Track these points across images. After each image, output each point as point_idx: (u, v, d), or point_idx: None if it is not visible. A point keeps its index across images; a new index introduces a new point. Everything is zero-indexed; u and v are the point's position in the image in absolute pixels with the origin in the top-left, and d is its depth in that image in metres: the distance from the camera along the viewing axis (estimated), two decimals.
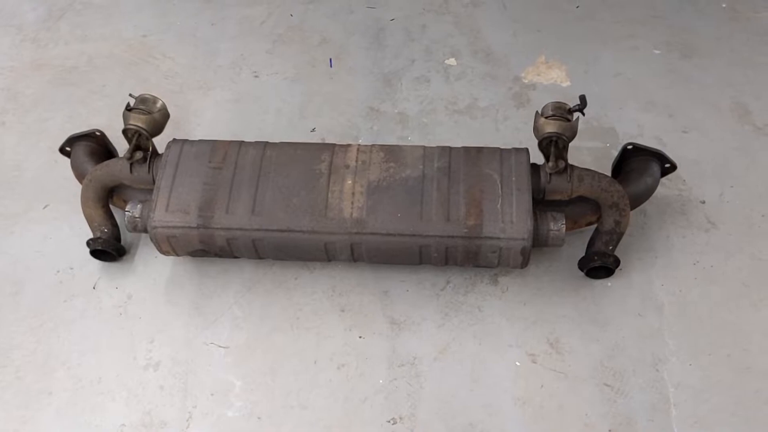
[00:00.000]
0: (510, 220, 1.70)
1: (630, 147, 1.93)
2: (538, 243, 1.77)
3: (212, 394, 1.71)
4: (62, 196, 2.12)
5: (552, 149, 1.78)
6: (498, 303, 1.85)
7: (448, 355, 1.76)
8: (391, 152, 1.82)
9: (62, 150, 2.08)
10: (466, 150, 1.82)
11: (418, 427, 1.65)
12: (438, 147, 1.84)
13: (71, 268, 1.96)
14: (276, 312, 1.85)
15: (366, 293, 1.88)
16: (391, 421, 1.66)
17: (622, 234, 1.85)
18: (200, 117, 2.40)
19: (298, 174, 1.79)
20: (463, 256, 1.75)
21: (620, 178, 1.94)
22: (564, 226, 1.75)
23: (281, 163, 1.81)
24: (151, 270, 1.94)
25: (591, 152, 2.21)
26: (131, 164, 1.86)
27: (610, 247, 1.84)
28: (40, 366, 1.78)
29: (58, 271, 1.96)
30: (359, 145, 1.85)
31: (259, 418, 1.67)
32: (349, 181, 1.77)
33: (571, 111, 1.81)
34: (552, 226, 1.75)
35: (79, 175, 2.02)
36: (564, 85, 2.44)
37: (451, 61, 2.55)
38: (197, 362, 1.77)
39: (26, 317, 1.87)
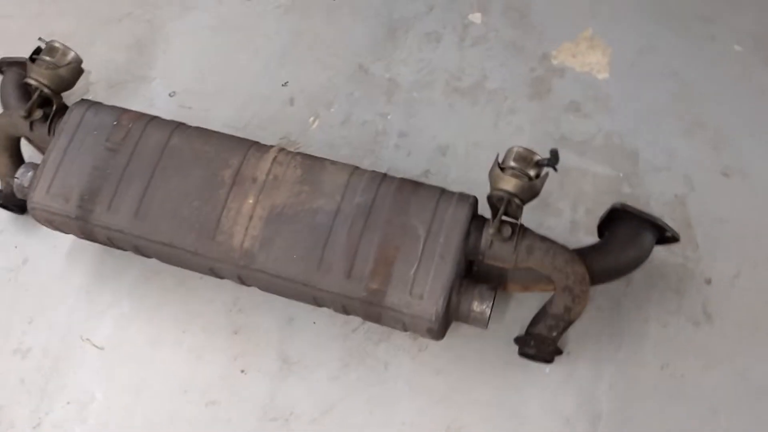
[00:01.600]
0: (420, 294, 1.38)
1: (619, 207, 1.52)
2: (457, 319, 1.45)
3: (68, 403, 1.57)
4: None
5: (501, 209, 1.41)
6: (409, 364, 1.58)
7: (330, 419, 1.53)
8: (311, 171, 1.50)
9: None
10: (401, 185, 1.48)
11: None
12: (370, 173, 1.50)
13: None
14: (165, 317, 1.66)
15: (268, 317, 1.64)
16: None
17: (571, 322, 1.50)
18: (168, 43, 2.11)
19: (198, 177, 1.51)
20: (365, 316, 1.47)
21: (600, 243, 1.55)
22: (489, 308, 1.42)
23: (184, 159, 1.53)
24: (55, 234, 1.75)
25: (596, 180, 1.79)
26: (30, 122, 1.63)
27: (554, 333, 1.51)
28: None
29: None
30: (279, 151, 1.53)
31: None
32: (251, 200, 1.48)
33: (539, 164, 1.41)
34: (475, 306, 1.42)
35: (5, 106, 1.81)
36: (600, 77, 1.97)
37: (476, 17, 2.10)
38: (67, 360, 1.62)
39: None
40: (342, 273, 1.41)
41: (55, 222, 1.56)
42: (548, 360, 1.52)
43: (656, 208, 1.74)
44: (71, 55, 1.62)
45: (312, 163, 1.51)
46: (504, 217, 1.44)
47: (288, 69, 2.04)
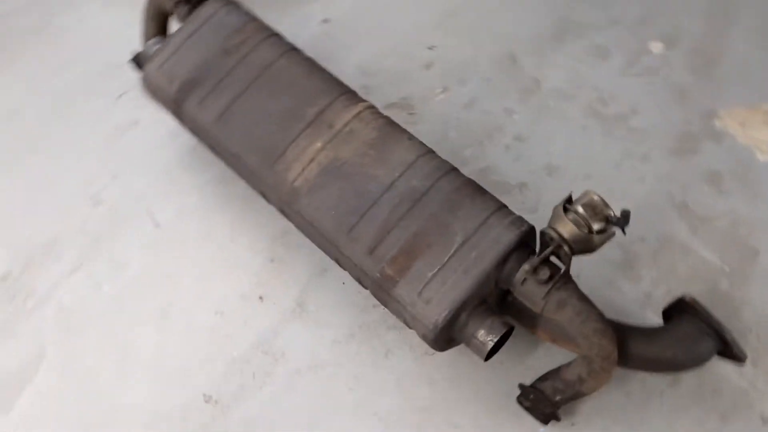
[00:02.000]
0: (428, 298, 1.32)
1: (688, 300, 1.35)
2: (460, 340, 1.38)
3: (109, 261, 1.69)
4: None
5: (547, 251, 1.30)
6: (409, 362, 1.53)
7: (312, 376, 1.52)
8: (386, 138, 1.46)
9: None
10: (463, 185, 1.40)
11: (221, 417, 1.49)
12: (439, 161, 1.43)
13: (118, 67, 1.94)
14: (220, 222, 1.72)
15: (306, 260, 1.65)
16: (206, 398, 1.52)
17: (581, 394, 1.37)
18: None
19: (284, 104, 1.53)
20: (375, 296, 1.43)
21: (652, 329, 1.40)
22: (493, 342, 1.32)
23: (280, 82, 1.55)
24: None
25: (696, 263, 1.61)
26: (175, 2, 1.73)
27: (557, 398, 1.38)
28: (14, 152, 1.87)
29: (106, 64, 1.96)
30: (367, 108, 1.50)
31: (120, 311, 1.63)
32: (319, 144, 1.48)
33: (607, 220, 1.27)
34: (480, 334, 1.33)
35: None
36: (761, 157, 1.73)
37: (656, 47, 1.91)
38: (126, 224, 1.74)
39: (52, 103, 1.94)
40: (366, 247, 1.38)
41: (156, 97, 1.65)
42: (542, 420, 1.40)
43: (748, 316, 1.53)
44: None
45: (391, 131, 1.47)
46: (554, 258, 1.33)
47: (440, 33, 1.99)
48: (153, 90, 1.65)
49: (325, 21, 2.02)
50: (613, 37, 1.93)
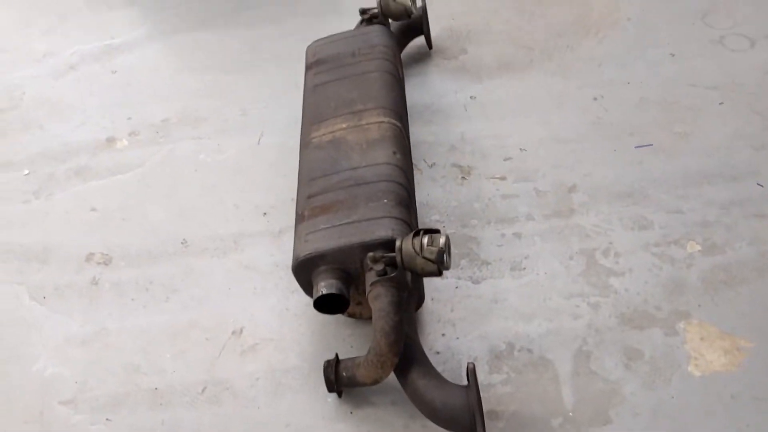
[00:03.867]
0: (308, 239, 1.72)
1: (470, 368, 1.58)
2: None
3: (216, 146, 2.40)
4: None
5: (389, 253, 1.64)
6: (296, 296, 1.94)
7: (245, 274, 2.02)
8: (380, 141, 1.90)
9: None
10: (393, 193, 1.76)
11: (181, 254, 2.08)
12: (397, 173, 1.84)
13: None
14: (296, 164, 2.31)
15: None
16: (182, 241, 2.12)
17: (357, 379, 1.66)
18: None
19: (351, 96, 2.06)
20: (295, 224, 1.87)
21: (439, 376, 1.64)
22: (321, 293, 1.65)
23: (361, 85, 2.09)
24: None
25: (551, 393, 1.74)
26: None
27: (344, 373, 1.68)
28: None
29: None
30: (391, 123, 1.96)
31: (195, 171, 2.32)
32: (344, 125, 1.99)
33: (437, 256, 1.58)
34: (320, 285, 1.68)
35: None
36: (690, 370, 1.77)
37: (692, 247, 2.01)
38: (245, 131, 2.43)
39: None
40: (309, 193, 1.85)
41: (306, 60, 2.31)
42: (327, 387, 1.70)
43: None
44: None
45: (388, 141, 1.91)
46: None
47: (538, 147, 2.31)
48: (306, 55, 2.32)
49: (472, 97, 2.49)
50: (664, 220, 2.05)
